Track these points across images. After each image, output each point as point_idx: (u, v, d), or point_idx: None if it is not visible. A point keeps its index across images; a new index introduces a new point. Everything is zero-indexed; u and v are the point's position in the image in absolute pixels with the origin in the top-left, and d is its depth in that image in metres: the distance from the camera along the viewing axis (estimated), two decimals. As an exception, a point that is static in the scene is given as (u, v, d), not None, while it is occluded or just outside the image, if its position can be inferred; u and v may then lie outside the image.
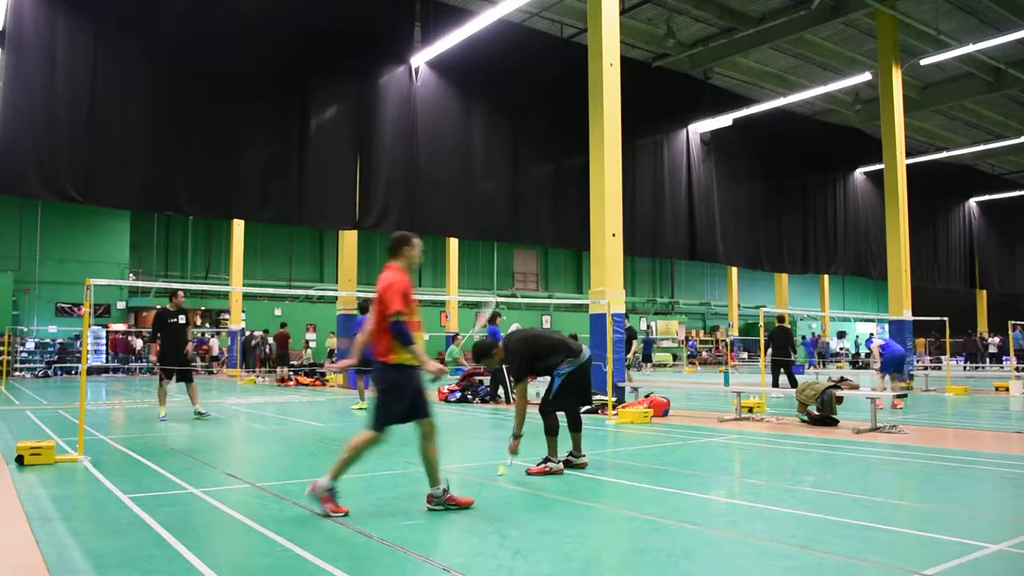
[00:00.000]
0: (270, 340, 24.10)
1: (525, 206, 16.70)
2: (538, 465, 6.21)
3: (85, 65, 12.01)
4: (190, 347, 11.19)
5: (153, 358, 10.96)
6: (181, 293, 11.33)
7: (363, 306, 13.09)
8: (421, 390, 4.85)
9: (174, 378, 10.86)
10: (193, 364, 11.26)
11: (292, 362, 23.43)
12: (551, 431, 6.24)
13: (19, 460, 6.49)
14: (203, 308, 30.09)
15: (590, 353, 6.55)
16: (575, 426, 6.50)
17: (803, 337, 36.12)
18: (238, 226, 26.53)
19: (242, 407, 13.34)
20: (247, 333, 26.25)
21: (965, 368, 26.97)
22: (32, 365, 25.28)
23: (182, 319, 11.01)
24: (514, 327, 7.19)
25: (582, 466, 6.45)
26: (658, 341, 36.83)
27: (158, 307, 13.45)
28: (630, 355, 15.78)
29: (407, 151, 15.07)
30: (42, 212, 26.37)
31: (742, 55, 19.71)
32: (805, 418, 9.96)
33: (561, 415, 6.42)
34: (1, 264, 25.83)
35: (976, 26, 18.44)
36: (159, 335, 10.85)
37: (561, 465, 6.25)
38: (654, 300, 41.41)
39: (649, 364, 29.03)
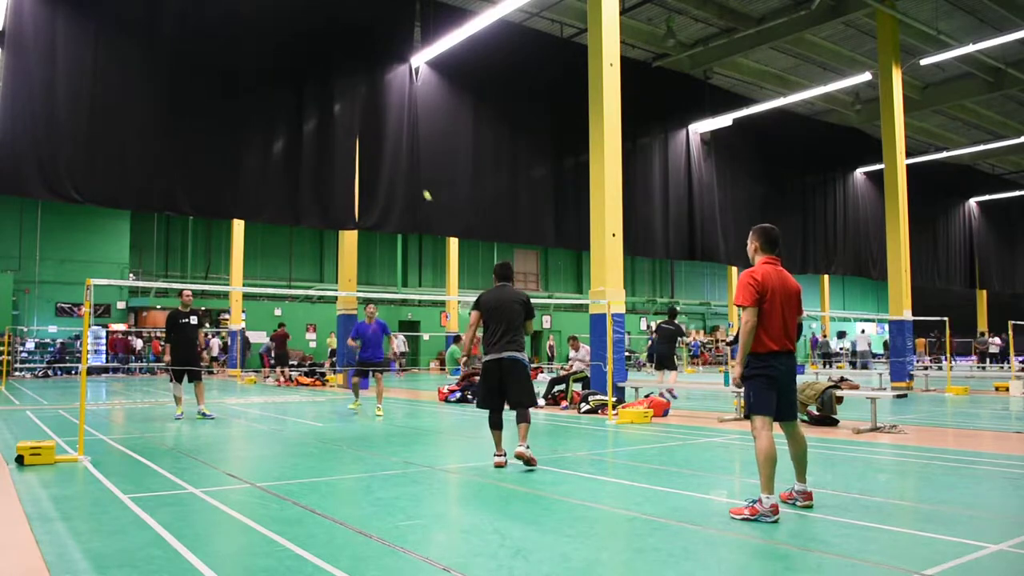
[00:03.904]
0: None
1: (525, 206, 16.70)
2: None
3: (85, 65, 12.00)
4: (213, 346, 11.29)
5: (167, 357, 10.98)
6: (188, 292, 11.38)
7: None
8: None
9: (185, 379, 10.94)
10: (208, 367, 11.32)
11: (291, 362, 23.43)
12: (489, 425, 6.72)
13: (19, 460, 6.49)
14: (203, 308, 30.10)
15: (512, 357, 6.53)
16: (518, 417, 6.62)
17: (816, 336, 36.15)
18: (238, 226, 26.53)
19: (242, 407, 13.34)
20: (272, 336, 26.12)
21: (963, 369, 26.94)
22: (32, 365, 25.29)
23: (193, 319, 11.08)
24: None
25: (519, 456, 6.47)
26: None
27: (170, 308, 13.48)
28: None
29: (407, 151, 15.07)
30: (42, 212, 26.38)
31: (742, 55, 19.71)
32: (805, 418, 9.95)
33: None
34: (1, 264, 25.84)
35: (976, 26, 18.44)
36: (172, 336, 10.94)
37: (500, 459, 6.54)
38: (654, 300, 41.40)
39: (653, 364, 28.97)
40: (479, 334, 6.96)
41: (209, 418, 10.77)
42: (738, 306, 4.79)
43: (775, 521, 4.44)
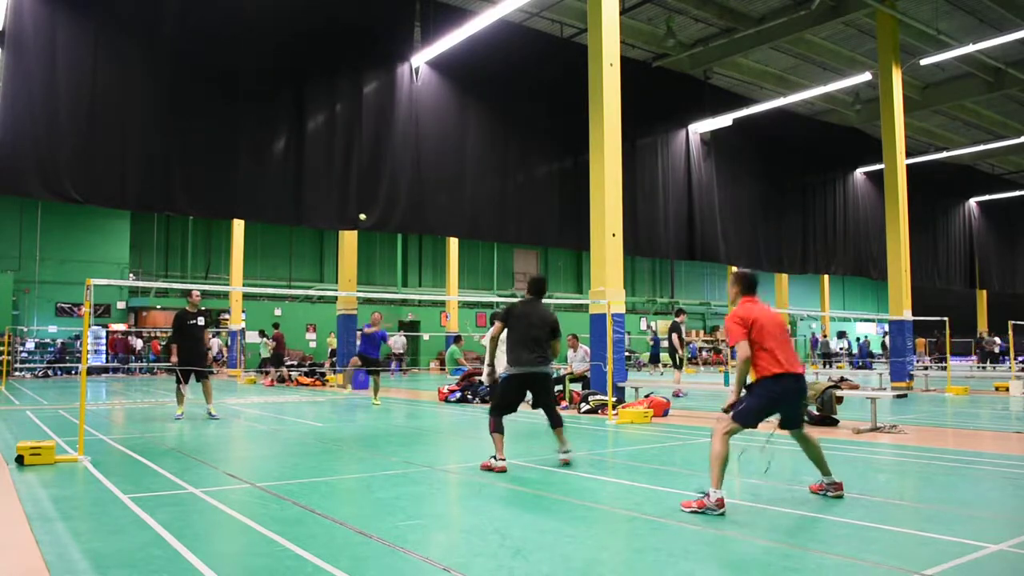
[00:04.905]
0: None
1: (525, 206, 16.70)
2: (487, 460, 6.54)
3: (85, 65, 12.00)
4: (213, 345, 11.28)
5: (173, 359, 10.87)
6: (196, 293, 11.25)
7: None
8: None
9: (192, 379, 10.90)
10: (210, 367, 11.22)
11: (291, 362, 23.46)
12: (490, 428, 6.57)
13: (19, 460, 6.49)
14: (203, 308, 30.10)
15: (545, 372, 6.68)
16: (556, 422, 6.79)
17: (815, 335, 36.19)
18: (238, 226, 26.53)
19: (242, 407, 13.34)
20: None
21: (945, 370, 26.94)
22: (32, 365, 25.28)
23: (200, 320, 10.98)
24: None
25: (567, 461, 6.65)
26: (660, 341, 36.76)
27: (170, 308, 13.50)
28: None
29: (407, 151, 15.06)
30: (42, 212, 26.37)
31: (742, 55, 19.70)
32: (805, 418, 9.94)
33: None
34: (1, 264, 25.83)
35: (976, 26, 18.44)
36: (177, 336, 10.88)
37: (503, 463, 6.41)
38: (654, 300, 41.41)
39: (657, 365, 29.04)
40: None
41: (214, 418, 10.76)
42: (731, 347, 5.05)
43: (721, 514, 4.61)
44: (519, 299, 6.95)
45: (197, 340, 10.97)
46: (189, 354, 10.84)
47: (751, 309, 5.04)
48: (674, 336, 15.64)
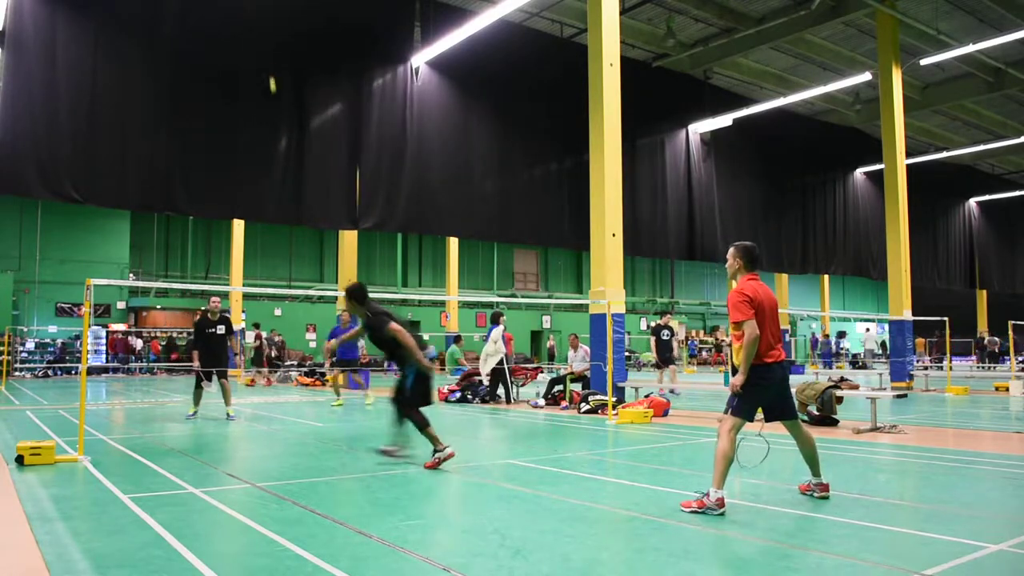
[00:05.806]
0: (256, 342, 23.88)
1: (525, 206, 16.70)
2: (432, 458, 6.42)
3: (85, 65, 12.00)
4: (238, 360, 11.10)
5: (195, 364, 10.68)
6: (215, 299, 10.94)
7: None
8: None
9: (213, 380, 10.79)
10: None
11: (290, 362, 23.48)
12: (422, 425, 6.51)
13: (19, 460, 6.49)
14: (203, 308, 30.11)
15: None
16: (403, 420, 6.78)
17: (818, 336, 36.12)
18: (238, 226, 26.53)
19: (241, 407, 13.33)
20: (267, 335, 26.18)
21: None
22: (32, 365, 25.29)
23: (220, 329, 10.75)
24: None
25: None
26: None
27: (169, 308, 13.43)
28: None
29: (407, 151, 15.06)
30: (42, 212, 26.38)
31: (742, 55, 19.70)
32: (805, 418, 9.95)
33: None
34: (1, 264, 25.84)
35: (976, 26, 18.44)
36: (198, 343, 10.77)
37: (450, 449, 6.44)
38: (654, 300, 41.41)
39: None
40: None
41: (232, 419, 10.74)
42: (735, 323, 4.99)
43: (721, 514, 4.63)
44: (374, 307, 6.81)
45: (215, 351, 10.76)
46: (209, 360, 10.70)
47: (756, 289, 5.02)
48: (652, 340, 16.13)
